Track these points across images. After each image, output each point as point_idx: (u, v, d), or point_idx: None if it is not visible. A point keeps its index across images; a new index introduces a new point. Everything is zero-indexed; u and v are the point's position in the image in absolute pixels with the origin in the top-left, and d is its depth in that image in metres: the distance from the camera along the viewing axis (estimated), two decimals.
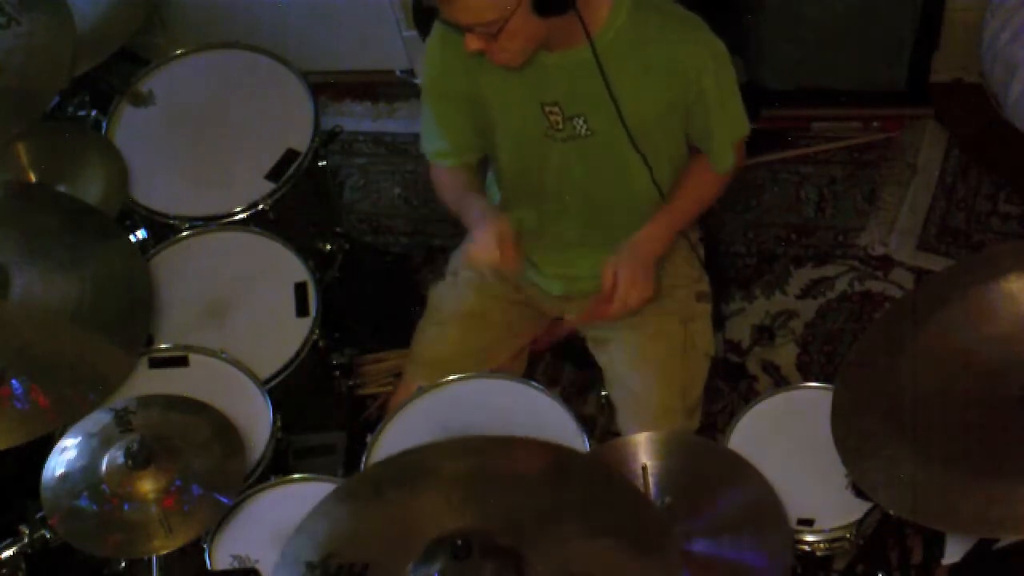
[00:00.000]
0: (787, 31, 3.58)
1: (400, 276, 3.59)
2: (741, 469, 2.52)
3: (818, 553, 2.52)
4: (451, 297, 2.98)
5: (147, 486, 2.52)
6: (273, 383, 2.84)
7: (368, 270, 3.50)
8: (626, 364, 2.87)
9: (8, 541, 2.59)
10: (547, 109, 2.66)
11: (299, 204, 3.14)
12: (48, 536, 2.58)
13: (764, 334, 3.39)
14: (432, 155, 2.86)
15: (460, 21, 2.48)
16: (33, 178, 3.09)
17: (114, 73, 3.31)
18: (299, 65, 3.26)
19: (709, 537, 2.43)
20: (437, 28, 2.67)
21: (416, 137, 2.89)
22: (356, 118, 3.96)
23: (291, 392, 2.87)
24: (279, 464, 2.78)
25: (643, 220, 2.81)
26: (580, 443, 2.63)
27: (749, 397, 3.18)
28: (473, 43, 2.51)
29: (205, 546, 2.58)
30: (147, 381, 2.81)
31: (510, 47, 2.52)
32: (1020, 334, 2.39)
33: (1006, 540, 2.34)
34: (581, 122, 2.66)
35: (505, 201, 2.90)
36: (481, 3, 2.44)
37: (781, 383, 3.29)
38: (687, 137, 2.77)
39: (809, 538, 2.51)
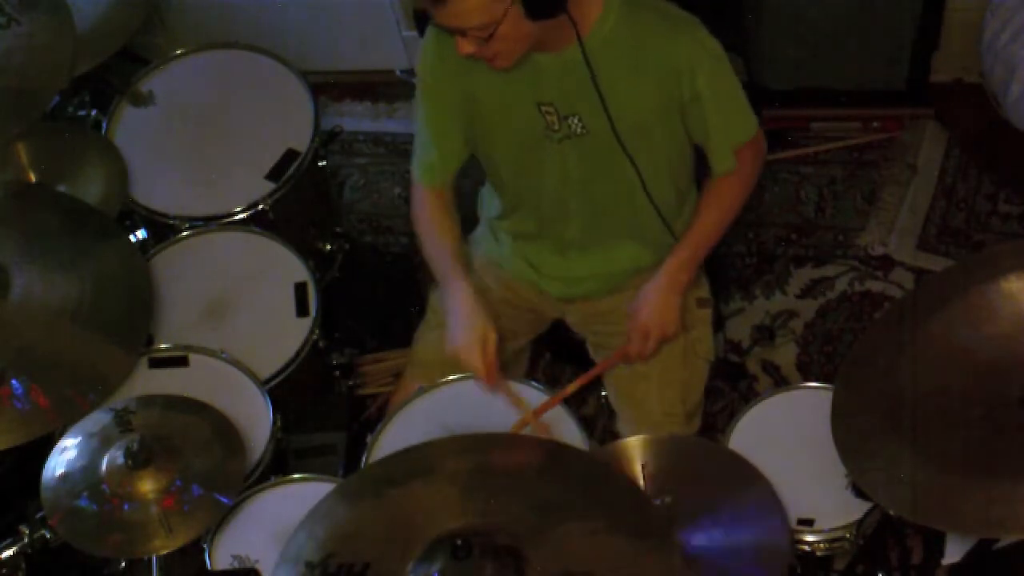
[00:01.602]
0: (787, 31, 3.58)
1: (400, 276, 3.58)
2: (741, 469, 2.53)
3: (818, 553, 2.52)
4: None
5: (147, 486, 2.52)
6: (273, 383, 2.84)
7: (368, 270, 3.50)
8: (627, 372, 2.86)
9: (8, 541, 2.59)
10: (543, 109, 2.66)
11: (299, 204, 3.14)
12: (48, 536, 2.58)
13: (764, 334, 3.39)
14: (421, 167, 2.84)
15: (451, 25, 2.48)
16: (33, 178, 3.09)
17: (114, 73, 3.31)
18: (299, 65, 3.26)
19: (709, 537, 2.43)
20: (432, 29, 2.67)
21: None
22: (356, 118, 3.96)
23: (291, 392, 2.87)
24: (279, 464, 2.78)
25: (642, 222, 2.81)
26: (580, 443, 2.63)
27: (749, 397, 3.17)
28: (465, 47, 2.51)
29: (205, 546, 2.59)
30: (147, 381, 2.81)
31: (502, 50, 2.52)
32: (1020, 334, 2.39)
33: (1006, 540, 2.34)
34: (576, 121, 2.66)
35: (505, 205, 2.90)
36: (471, 8, 2.43)
37: (781, 383, 3.28)
38: (690, 137, 2.76)
39: (809, 538, 2.51)
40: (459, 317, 2.73)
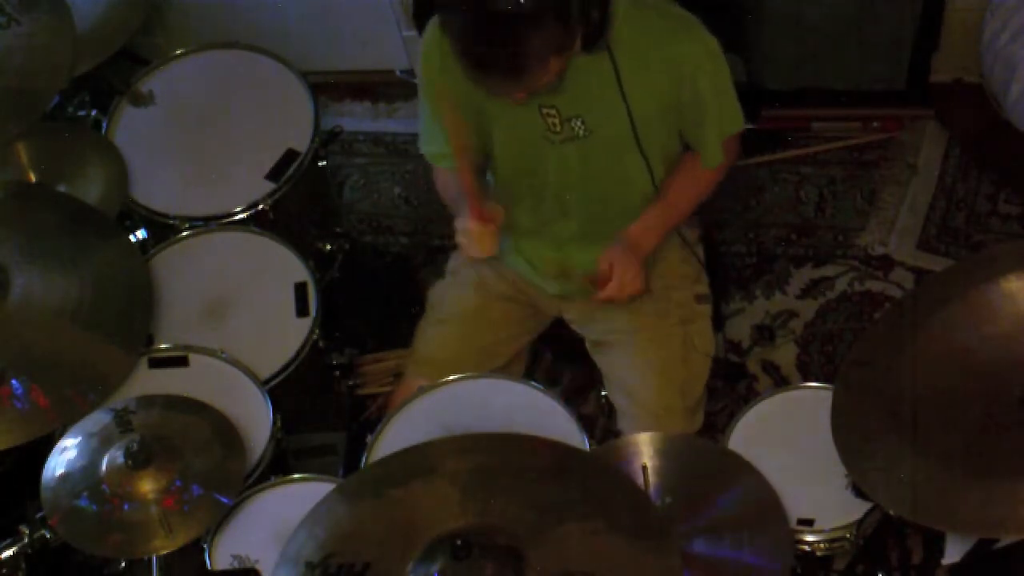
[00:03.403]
0: (787, 31, 3.58)
1: (400, 276, 3.59)
2: (741, 469, 2.53)
3: (818, 553, 2.52)
4: (451, 296, 2.98)
5: (147, 486, 2.52)
6: (273, 383, 2.84)
7: (368, 270, 3.50)
8: (626, 366, 2.87)
9: (8, 541, 2.59)
10: (544, 111, 2.66)
11: (299, 204, 3.14)
12: (48, 536, 2.58)
13: (764, 334, 3.39)
14: (432, 157, 2.86)
15: (524, 91, 2.50)
16: (33, 178, 3.09)
17: (114, 73, 3.31)
18: (299, 65, 3.26)
19: (709, 537, 2.43)
20: (432, 31, 2.67)
21: (417, 137, 2.89)
22: (356, 118, 3.96)
23: (291, 392, 2.87)
24: (279, 464, 2.78)
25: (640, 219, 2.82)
26: (580, 443, 2.63)
27: (749, 397, 3.17)
28: (523, 97, 2.53)
29: (205, 546, 2.59)
30: (147, 381, 2.81)
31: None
32: (1020, 334, 2.39)
33: (1006, 540, 2.34)
34: (579, 123, 2.66)
35: (503, 202, 2.90)
36: (544, 75, 2.46)
37: (781, 383, 3.28)
38: (680, 135, 2.77)
39: (809, 538, 2.51)
40: (461, 213, 2.72)
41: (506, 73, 2.43)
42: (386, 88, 4.00)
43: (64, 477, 2.57)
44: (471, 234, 2.70)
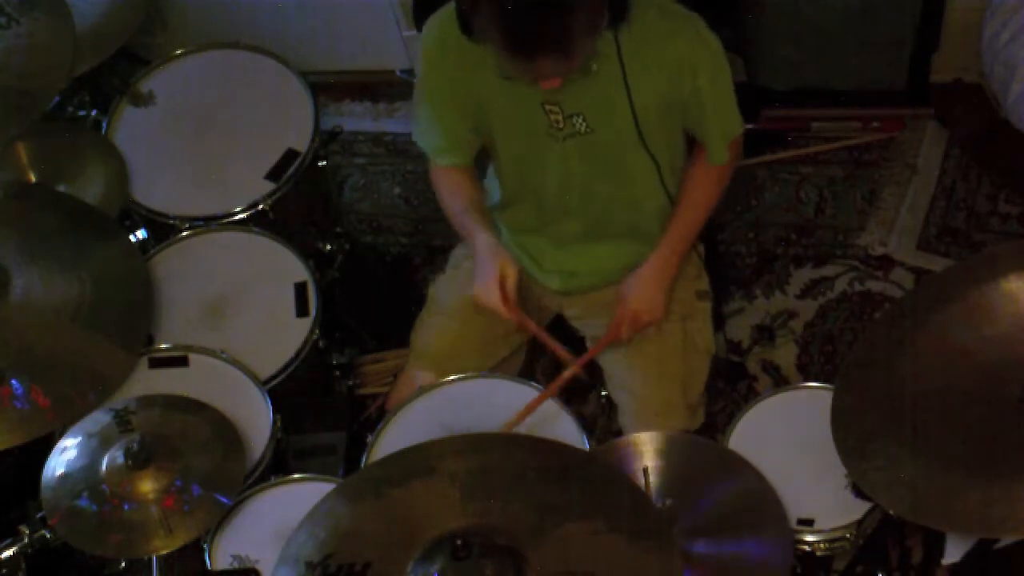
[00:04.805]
0: (787, 31, 3.58)
1: (400, 276, 3.59)
2: (741, 469, 2.53)
3: (818, 553, 2.52)
4: (452, 290, 2.98)
5: (147, 486, 2.53)
6: (273, 383, 2.84)
7: (368, 270, 3.50)
8: (626, 363, 2.87)
9: (8, 541, 2.59)
10: (547, 107, 2.66)
11: (299, 204, 3.15)
12: (48, 536, 2.58)
13: (764, 334, 3.39)
14: (431, 150, 2.86)
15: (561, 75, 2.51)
16: (33, 178, 3.09)
17: (114, 73, 3.32)
18: (299, 65, 3.27)
19: (709, 537, 2.43)
20: (433, 29, 2.67)
21: None
22: (356, 118, 3.96)
23: (291, 392, 2.87)
24: (279, 464, 2.78)
25: (642, 218, 2.82)
26: (580, 443, 2.63)
27: (749, 397, 3.18)
28: (552, 83, 2.53)
29: (205, 546, 2.59)
30: (147, 381, 2.81)
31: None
32: (1020, 334, 2.39)
33: (1006, 540, 2.34)
34: (580, 120, 2.66)
35: (505, 198, 2.91)
36: (584, 53, 2.47)
37: (781, 383, 3.28)
38: (684, 132, 2.77)
39: (809, 538, 2.51)
40: (479, 263, 2.76)
41: (556, 54, 2.43)
42: (386, 88, 4.00)
43: (64, 477, 2.57)
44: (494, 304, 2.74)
